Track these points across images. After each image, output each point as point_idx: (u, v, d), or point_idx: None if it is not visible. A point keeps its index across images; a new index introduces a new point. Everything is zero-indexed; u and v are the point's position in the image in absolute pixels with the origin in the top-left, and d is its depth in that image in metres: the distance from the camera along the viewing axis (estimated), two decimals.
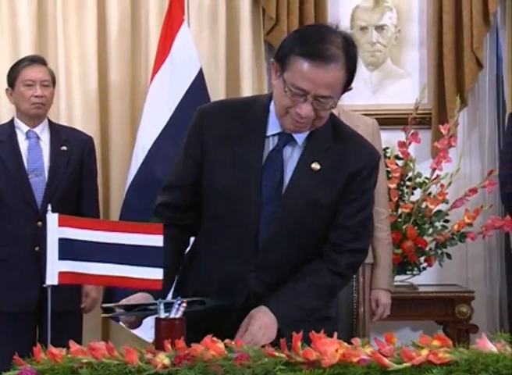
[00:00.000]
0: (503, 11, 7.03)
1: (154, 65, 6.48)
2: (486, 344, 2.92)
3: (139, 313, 3.83)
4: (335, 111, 5.28)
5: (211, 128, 3.79)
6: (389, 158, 6.51)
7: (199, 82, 6.34)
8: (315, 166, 3.78)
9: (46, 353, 2.95)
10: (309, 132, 3.75)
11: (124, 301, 3.72)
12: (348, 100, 6.42)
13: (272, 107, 3.77)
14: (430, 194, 6.49)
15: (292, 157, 3.80)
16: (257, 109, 3.82)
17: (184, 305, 3.26)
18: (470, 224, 6.42)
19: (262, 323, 3.58)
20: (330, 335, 3.02)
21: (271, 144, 3.78)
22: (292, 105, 3.64)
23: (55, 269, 3.51)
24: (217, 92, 3.93)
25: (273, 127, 3.77)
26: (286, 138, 3.78)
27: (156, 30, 6.67)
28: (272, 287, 3.74)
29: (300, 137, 3.76)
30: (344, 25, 6.61)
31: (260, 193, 3.76)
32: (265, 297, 3.70)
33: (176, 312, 3.23)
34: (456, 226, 6.45)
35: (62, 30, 6.86)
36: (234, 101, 4.02)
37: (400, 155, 6.62)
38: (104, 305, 3.77)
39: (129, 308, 3.80)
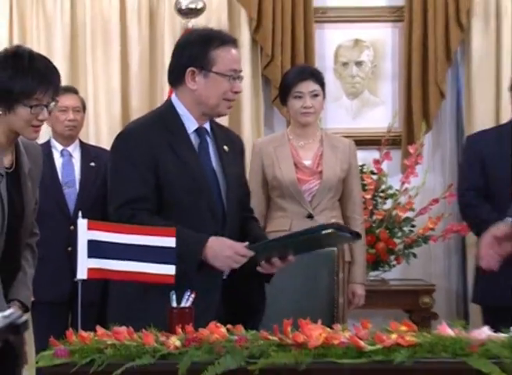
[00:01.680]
0: (462, 50, 7.07)
1: (168, 94, 6.50)
2: (445, 330, 2.97)
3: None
4: (318, 133, 5.36)
5: (151, 141, 3.83)
6: (365, 173, 6.53)
7: None
8: (226, 148, 3.96)
9: (77, 336, 3.01)
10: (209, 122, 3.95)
11: None
12: (331, 124, 6.54)
13: (180, 110, 3.88)
14: (399, 203, 6.53)
15: (210, 144, 3.93)
16: (168, 117, 3.90)
17: (193, 296, 3.30)
18: (432, 229, 6.49)
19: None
20: None
21: (193, 139, 3.88)
22: (228, 89, 3.81)
23: (84, 265, 3.57)
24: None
25: (190, 126, 3.89)
26: (203, 131, 3.92)
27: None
28: None
29: (208, 127, 3.94)
30: (329, 61, 6.76)
31: (207, 178, 3.87)
32: None
33: (186, 302, 3.28)
34: (421, 231, 6.52)
35: (91, 65, 6.93)
36: (148, 118, 4.05)
37: (375, 171, 6.66)
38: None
39: None
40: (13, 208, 3.98)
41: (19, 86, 3.72)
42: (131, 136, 3.90)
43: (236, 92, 3.93)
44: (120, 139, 3.94)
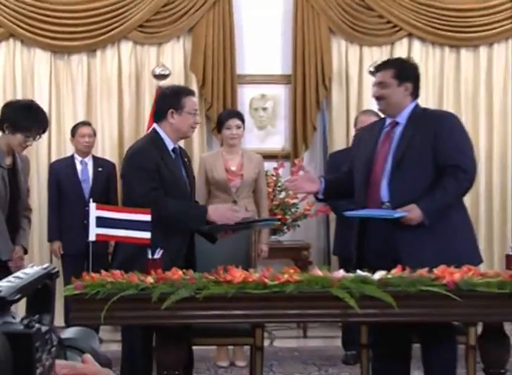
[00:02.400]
0: (326, 101, 7.05)
1: (147, 127, 6.43)
2: (317, 272, 2.97)
3: (239, 227, 3.89)
4: (240, 151, 5.33)
5: (152, 155, 3.79)
6: (268, 175, 6.48)
7: None
8: (186, 160, 4.03)
9: (88, 276, 2.96)
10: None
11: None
12: (248, 146, 6.49)
13: (163, 136, 3.83)
14: (289, 194, 6.43)
15: (179, 158, 3.94)
16: (156, 141, 3.84)
17: (161, 251, 3.25)
18: (309, 210, 6.47)
19: None
20: None
21: (172, 155, 3.86)
22: (193, 121, 3.86)
23: (93, 232, 3.54)
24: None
25: (169, 146, 3.85)
26: (176, 149, 3.89)
27: (148, 109, 6.63)
28: None
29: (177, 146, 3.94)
30: (246, 107, 6.71)
31: (184, 181, 3.91)
32: None
33: (157, 255, 3.22)
34: (302, 211, 6.50)
35: (99, 109, 6.83)
36: (144, 141, 3.95)
37: (274, 174, 6.63)
38: (207, 227, 3.77)
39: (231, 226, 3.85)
40: (12, 190, 4.21)
41: (26, 123, 4.05)
42: (139, 152, 3.85)
43: (197, 123, 4.00)
44: (133, 154, 3.89)
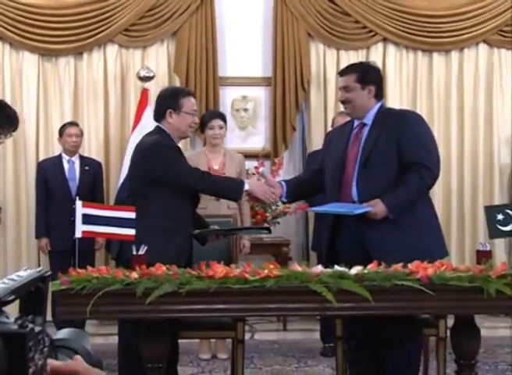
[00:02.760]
0: (305, 103, 7.06)
1: (132, 127, 6.43)
2: (296, 267, 2.96)
3: (226, 232, 3.95)
4: (222, 150, 5.31)
5: (177, 148, 3.78)
6: (249, 174, 6.49)
7: None
8: None
9: (75, 272, 2.93)
10: None
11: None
12: (230, 145, 6.48)
13: (167, 132, 3.79)
14: None
15: None
16: (166, 136, 3.79)
17: (146, 248, 3.23)
18: (288, 208, 6.41)
19: None
20: None
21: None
22: (191, 121, 3.79)
23: (79, 229, 3.52)
24: None
25: (176, 142, 3.83)
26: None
27: (133, 110, 6.63)
28: None
29: None
30: (228, 108, 6.71)
31: None
32: None
33: (142, 251, 3.20)
34: (282, 208, 6.45)
35: (86, 110, 6.80)
36: (158, 135, 3.82)
37: (255, 173, 6.59)
38: (197, 231, 3.77)
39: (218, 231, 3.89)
40: None
41: None
42: (166, 142, 3.77)
43: (196, 123, 3.96)
44: (159, 146, 3.74)
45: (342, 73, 3.84)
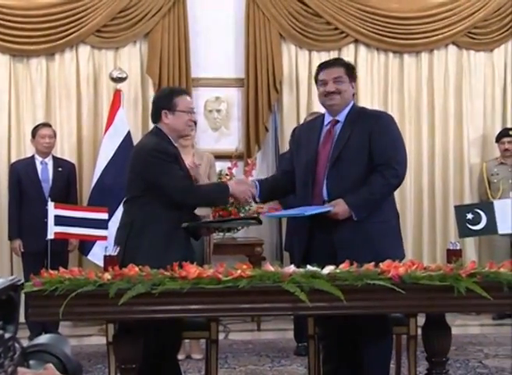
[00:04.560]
0: (277, 103, 7.07)
1: (105, 128, 6.39)
2: (269, 267, 2.95)
3: (216, 225, 3.84)
4: (192, 151, 5.29)
5: (172, 150, 3.69)
6: (223, 175, 6.52)
7: (128, 138, 6.25)
8: None
9: (47, 273, 2.90)
10: None
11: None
12: (203, 146, 6.46)
13: (165, 133, 3.71)
14: None
15: None
16: (165, 138, 3.72)
17: (118, 248, 3.21)
18: (262, 208, 6.36)
19: None
20: None
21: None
22: (189, 118, 3.70)
23: (52, 230, 3.51)
24: None
25: (175, 142, 3.77)
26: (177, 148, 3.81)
27: (106, 111, 6.58)
28: None
29: None
30: (201, 109, 6.69)
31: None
32: None
33: (114, 252, 3.19)
34: (255, 208, 6.42)
35: (59, 111, 6.74)
36: (156, 138, 3.70)
37: (228, 174, 6.61)
38: (186, 224, 3.62)
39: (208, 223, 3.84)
40: None
41: None
42: (162, 149, 3.64)
43: (193, 121, 3.85)
44: (156, 152, 3.60)
45: (330, 64, 3.76)
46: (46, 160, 5.88)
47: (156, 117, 3.78)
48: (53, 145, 5.95)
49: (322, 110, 3.94)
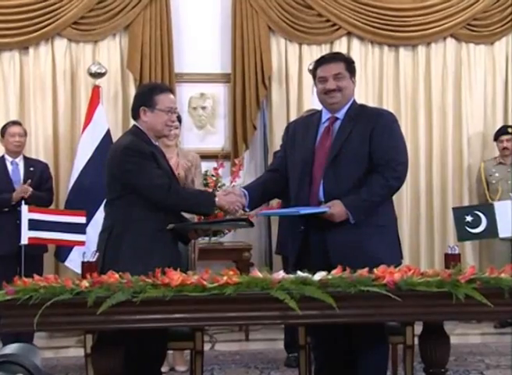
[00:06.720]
0: (266, 100, 7.07)
1: (83, 126, 6.37)
2: (257, 273, 2.94)
3: (204, 226, 3.87)
4: (176, 150, 5.29)
5: (149, 149, 3.68)
6: (208, 176, 6.53)
7: (107, 136, 6.24)
8: None
9: (21, 281, 2.89)
10: None
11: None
12: (187, 145, 6.47)
13: (144, 131, 3.72)
14: None
15: None
16: (142, 137, 3.72)
17: (97, 254, 3.21)
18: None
19: None
20: None
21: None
22: (167, 119, 3.70)
23: (25, 235, 3.50)
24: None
25: (153, 142, 3.77)
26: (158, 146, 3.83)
27: (84, 109, 6.56)
28: None
29: None
30: (185, 106, 6.71)
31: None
32: None
33: (92, 258, 3.18)
34: (242, 212, 6.45)
35: (33, 108, 6.74)
36: (133, 137, 3.72)
37: (214, 174, 6.62)
38: (172, 226, 3.60)
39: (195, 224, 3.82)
40: None
41: None
42: (136, 147, 3.63)
43: (173, 121, 3.83)
44: (129, 151, 3.61)
45: (329, 59, 3.72)
46: (17, 160, 5.86)
47: (135, 114, 3.78)
48: (24, 144, 5.94)
49: (316, 107, 3.91)
